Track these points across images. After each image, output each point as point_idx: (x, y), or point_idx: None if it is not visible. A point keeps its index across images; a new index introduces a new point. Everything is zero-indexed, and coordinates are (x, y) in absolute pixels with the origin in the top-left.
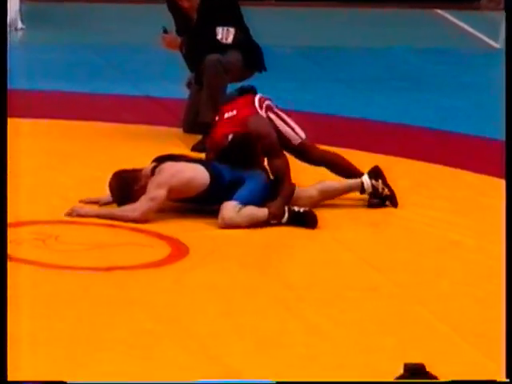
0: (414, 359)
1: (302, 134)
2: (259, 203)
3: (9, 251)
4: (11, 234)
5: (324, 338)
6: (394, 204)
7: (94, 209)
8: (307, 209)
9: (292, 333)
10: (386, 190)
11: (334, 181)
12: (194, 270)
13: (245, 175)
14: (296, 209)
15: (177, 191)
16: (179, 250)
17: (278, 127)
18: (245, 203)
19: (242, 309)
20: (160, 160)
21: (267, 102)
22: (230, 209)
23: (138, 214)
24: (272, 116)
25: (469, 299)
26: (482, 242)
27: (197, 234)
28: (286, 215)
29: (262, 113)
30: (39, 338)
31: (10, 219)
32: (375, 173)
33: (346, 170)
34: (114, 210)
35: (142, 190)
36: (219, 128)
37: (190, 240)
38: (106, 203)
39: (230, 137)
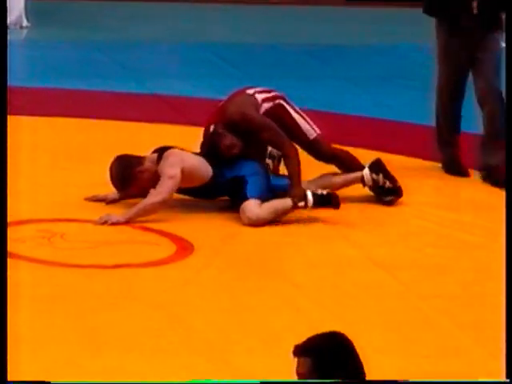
0: (419, 356)
1: (317, 129)
2: (270, 195)
3: (14, 249)
4: (16, 232)
5: None
6: (398, 196)
7: (122, 214)
8: (329, 190)
9: (297, 331)
10: (388, 183)
11: (335, 175)
12: (199, 267)
13: (244, 172)
14: (319, 192)
15: (185, 176)
16: (184, 248)
17: (294, 119)
18: (261, 198)
19: (248, 307)
20: (161, 150)
21: (275, 93)
22: (252, 207)
23: (165, 193)
24: (288, 107)
25: (474, 297)
26: (488, 241)
27: (202, 232)
28: (312, 199)
29: (251, 92)
30: (42, 336)
31: (14, 217)
32: (376, 166)
33: (356, 169)
34: (138, 206)
35: (146, 173)
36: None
37: (196, 238)
38: (113, 200)
39: (212, 128)
